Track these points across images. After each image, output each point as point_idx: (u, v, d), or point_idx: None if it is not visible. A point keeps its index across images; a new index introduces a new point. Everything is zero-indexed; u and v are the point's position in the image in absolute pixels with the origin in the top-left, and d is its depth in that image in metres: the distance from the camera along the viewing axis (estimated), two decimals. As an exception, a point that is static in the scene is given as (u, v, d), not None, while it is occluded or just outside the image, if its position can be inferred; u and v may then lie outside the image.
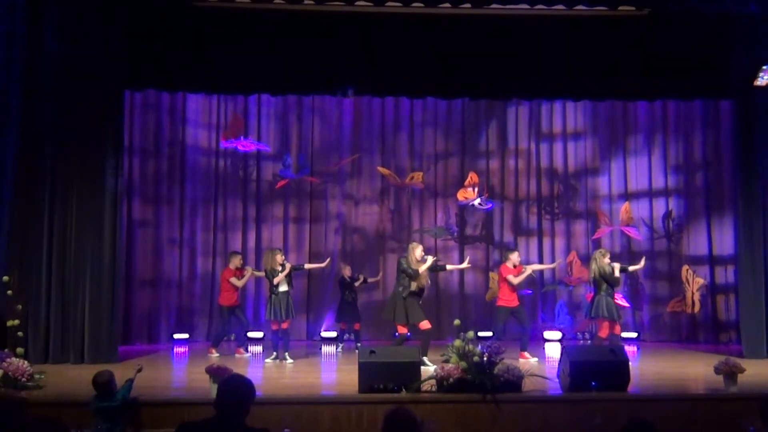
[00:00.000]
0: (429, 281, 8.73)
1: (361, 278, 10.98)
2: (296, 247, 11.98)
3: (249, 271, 10.07)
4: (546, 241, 12.27)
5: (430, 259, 8.71)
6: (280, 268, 9.25)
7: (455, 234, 12.14)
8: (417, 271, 8.54)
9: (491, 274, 10.92)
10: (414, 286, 8.57)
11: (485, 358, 6.65)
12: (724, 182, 11.17)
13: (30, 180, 8.99)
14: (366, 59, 9.45)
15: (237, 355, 9.75)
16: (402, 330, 8.64)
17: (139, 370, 6.30)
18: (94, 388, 5.93)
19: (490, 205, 11.82)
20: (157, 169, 11.42)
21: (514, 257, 9.68)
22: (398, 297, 8.59)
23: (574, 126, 12.42)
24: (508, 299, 9.53)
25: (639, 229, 11.89)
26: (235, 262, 10.11)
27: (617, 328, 9.20)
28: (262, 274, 9.61)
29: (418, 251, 8.71)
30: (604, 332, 9.18)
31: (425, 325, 8.54)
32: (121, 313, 9.73)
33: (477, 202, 11.62)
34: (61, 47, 9.01)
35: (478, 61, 9.56)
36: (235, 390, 3.64)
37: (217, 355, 9.68)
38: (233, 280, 9.98)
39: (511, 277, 9.44)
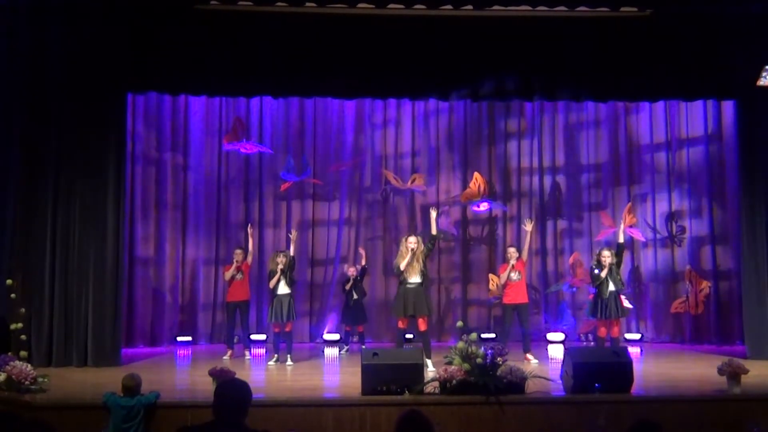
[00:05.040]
0: (421, 268, 8.61)
1: (350, 281, 10.86)
2: (298, 248, 11.93)
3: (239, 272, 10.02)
4: (549, 243, 12.23)
5: (407, 254, 8.57)
6: (278, 271, 9.25)
7: (457, 236, 12.11)
8: (398, 267, 8.59)
9: (490, 276, 10.92)
10: (403, 277, 8.59)
11: (488, 360, 6.65)
12: (727, 182, 11.13)
13: (33, 183, 9.02)
14: (368, 61, 9.46)
15: (224, 357, 9.64)
16: (401, 324, 8.65)
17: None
18: (123, 391, 5.96)
19: (492, 206, 11.79)
20: (160, 171, 11.42)
21: (508, 254, 9.79)
22: (398, 291, 8.69)
23: (577, 126, 12.38)
24: (512, 296, 9.60)
25: (643, 229, 11.84)
26: (235, 256, 10.10)
27: (615, 329, 9.16)
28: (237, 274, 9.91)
29: (402, 246, 8.71)
30: (601, 332, 9.19)
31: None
32: (123, 315, 9.74)
33: (481, 206, 11.60)
34: (65, 49, 9.03)
35: (479, 62, 9.56)
36: (231, 394, 3.64)
37: (226, 357, 9.66)
38: (226, 273, 10.04)
39: (502, 275, 9.66)
